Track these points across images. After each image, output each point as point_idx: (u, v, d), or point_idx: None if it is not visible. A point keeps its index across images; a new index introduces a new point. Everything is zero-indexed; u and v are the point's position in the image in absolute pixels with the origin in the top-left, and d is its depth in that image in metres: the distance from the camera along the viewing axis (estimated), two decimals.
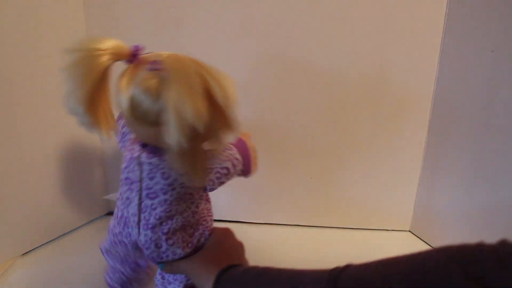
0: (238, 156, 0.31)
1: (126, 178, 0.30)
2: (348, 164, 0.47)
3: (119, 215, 0.31)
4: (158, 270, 0.34)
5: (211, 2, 0.42)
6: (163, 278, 0.34)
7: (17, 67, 0.39)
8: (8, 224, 0.41)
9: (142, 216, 0.30)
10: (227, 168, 0.30)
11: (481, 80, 0.38)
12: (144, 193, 0.30)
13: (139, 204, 0.30)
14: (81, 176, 0.47)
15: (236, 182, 0.49)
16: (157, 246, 0.30)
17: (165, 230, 0.30)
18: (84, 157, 0.47)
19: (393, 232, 0.50)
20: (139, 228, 0.30)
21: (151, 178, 0.29)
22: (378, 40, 0.42)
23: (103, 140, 0.49)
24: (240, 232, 0.44)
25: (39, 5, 0.39)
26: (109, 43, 0.27)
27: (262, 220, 0.51)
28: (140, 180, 0.30)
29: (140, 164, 0.29)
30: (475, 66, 0.39)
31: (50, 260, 0.43)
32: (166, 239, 0.30)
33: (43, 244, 0.45)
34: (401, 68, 0.43)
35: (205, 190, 0.31)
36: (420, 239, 0.48)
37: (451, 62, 0.41)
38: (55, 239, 0.46)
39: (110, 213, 0.52)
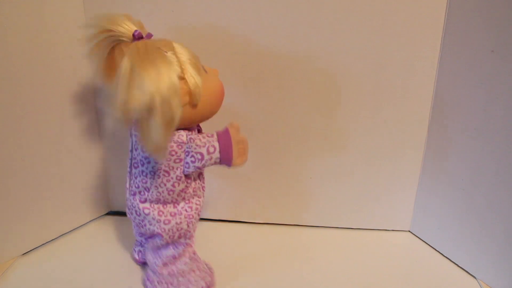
0: (215, 144, 0.32)
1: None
2: (348, 164, 0.47)
3: None
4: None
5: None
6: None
7: (17, 67, 0.39)
8: (8, 224, 0.41)
9: (130, 183, 0.36)
10: (201, 154, 0.32)
11: (481, 80, 0.38)
12: (132, 161, 0.35)
13: (130, 171, 0.35)
14: (81, 176, 0.47)
15: (236, 182, 0.49)
16: (137, 213, 0.35)
17: (142, 199, 0.35)
18: (84, 157, 0.47)
19: (393, 232, 0.50)
20: (127, 194, 0.36)
21: (136, 149, 0.34)
22: (377, 40, 0.42)
23: (104, 139, 0.49)
24: (240, 232, 0.44)
25: (40, 5, 0.39)
26: (117, 24, 0.31)
27: (262, 220, 0.51)
28: (131, 150, 0.35)
29: (131, 135, 0.35)
30: (475, 66, 0.39)
31: (50, 260, 0.43)
32: (143, 208, 0.35)
33: (43, 244, 0.45)
34: (401, 68, 0.43)
35: (183, 172, 0.33)
36: (420, 239, 0.48)
37: (451, 62, 0.41)
38: (55, 239, 0.46)
39: (110, 213, 0.52)
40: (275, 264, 0.43)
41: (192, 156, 0.32)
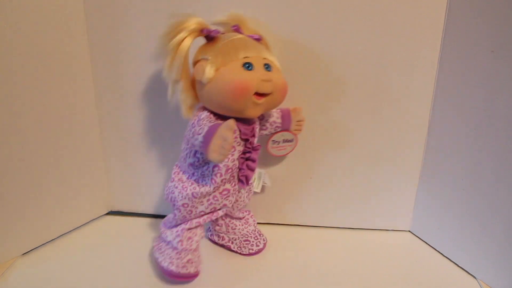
0: (205, 129, 0.34)
1: None
2: (348, 164, 0.47)
3: None
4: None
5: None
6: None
7: (17, 67, 0.39)
8: (8, 224, 0.41)
9: None
10: (193, 128, 0.35)
11: (481, 80, 0.38)
12: None
13: None
14: (82, 176, 0.47)
15: None
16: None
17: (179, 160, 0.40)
18: (83, 157, 0.47)
19: (393, 232, 0.50)
20: None
21: None
22: (377, 41, 0.42)
23: (105, 139, 0.49)
24: None
25: (40, 5, 0.39)
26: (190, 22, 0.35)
27: (262, 220, 0.51)
28: None
29: None
30: (475, 66, 0.39)
31: (50, 260, 0.43)
32: (174, 165, 0.40)
33: (43, 244, 0.45)
34: (401, 69, 0.43)
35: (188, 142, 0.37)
36: (421, 239, 0.48)
37: (451, 63, 0.41)
38: (55, 239, 0.46)
39: (111, 213, 0.52)
40: (275, 263, 0.43)
41: (192, 131, 0.35)
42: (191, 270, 0.38)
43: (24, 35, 0.38)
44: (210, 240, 0.46)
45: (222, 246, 0.45)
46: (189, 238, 0.39)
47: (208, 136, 0.33)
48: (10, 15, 0.37)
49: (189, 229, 0.39)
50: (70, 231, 0.48)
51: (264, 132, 0.43)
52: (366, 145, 0.46)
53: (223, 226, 0.44)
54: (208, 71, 0.34)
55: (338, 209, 0.49)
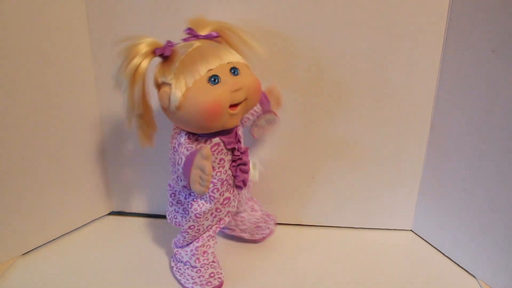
0: (180, 160, 0.33)
1: None
2: (350, 163, 0.47)
3: None
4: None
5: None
6: None
7: (18, 67, 0.38)
8: (8, 224, 0.41)
9: None
10: (174, 159, 0.34)
11: (483, 80, 0.38)
12: None
13: None
14: (83, 176, 0.47)
15: None
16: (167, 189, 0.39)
17: (171, 178, 0.38)
18: (85, 157, 0.47)
19: (395, 231, 0.50)
20: None
21: None
22: (379, 40, 0.42)
23: (105, 139, 0.48)
24: None
25: (41, 6, 0.39)
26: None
27: None
28: None
29: None
30: (476, 66, 0.39)
31: (50, 260, 0.43)
32: (168, 185, 0.38)
33: (43, 244, 0.45)
34: (403, 68, 0.43)
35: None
36: (422, 238, 0.49)
37: (453, 62, 0.41)
38: (55, 239, 0.46)
39: (112, 213, 0.52)
40: (275, 263, 0.43)
41: (174, 152, 0.34)
42: (215, 283, 0.38)
43: (25, 35, 0.38)
44: (222, 232, 0.46)
45: (233, 236, 0.45)
46: (204, 252, 0.39)
47: (187, 168, 0.31)
48: (11, 15, 0.37)
49: (202, 245, 0.38)
50: (71, 231, 0.47)
51: (248, 124, 0.41)
52: (368, 144, 0.46)
53: (232, 221, 0.44)
54: (174, 98, 0.31)
55: (340, 208, 0.49)
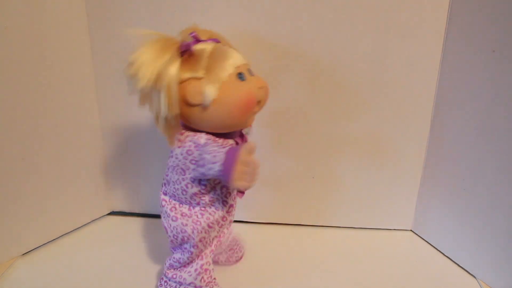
0: (221, 156, 0.30)
1: None
2: (350, 163, 0.47)
3: None
4: None
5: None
6: None
7: (19, 67, 0.38)
8: (8, 224, 0.41)
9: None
10: (204, 160, 0.31)
11: (483, 79, 0.39)
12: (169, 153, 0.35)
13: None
14: (83, 176, 0.47)
15: None
16: (160, 203, 0.36)
17: (164, 191, 0.36)
18: (85, 157, 0.47)
19: (395, 231, 0.50)
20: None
21: None
22: (379, 40, 0.42)
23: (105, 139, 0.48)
24: (240, 232, 0.44)
25: (42, 6, 0.39)
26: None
27: (263, 220, 0.50)
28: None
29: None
30: (476, 66, 0.39)
31: (50, 260, 0.42)
32: (162, 199, 0.35)
33: (43, 244, 0.45)
34: (403, 68, 0.43)
35: (194, 173, 0.33)
36: (422, 238, 0.49)
37: (453, 62, 0.41)
38: (55, 239, 0.46)
39: (112, 213, 0.52)
40: (275, 263, 0.43)
41: (200, 159, 0.31)
42: None
43: (25, 35, 0.38)
44: None
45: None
46: (206, 270, 0.36)
47: (228, 164, 0.29)
48: (11, 15, 0.37)
49: (206, 262, 0.36)
50: (71, 231, 0.47)
51: None
52: (368, 144, 0.46)
53: None
54: (209, 92, 0.30)
55: (340, 209, 0.49)
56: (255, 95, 0.31)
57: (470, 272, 0.42)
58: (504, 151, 0.37)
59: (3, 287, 0.38)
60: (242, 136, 0.35)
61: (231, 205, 0.36)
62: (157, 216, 0.51)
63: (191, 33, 0.31)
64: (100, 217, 0.51)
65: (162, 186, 0.36)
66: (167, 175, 0.35)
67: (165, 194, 0.35)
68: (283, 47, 0.43)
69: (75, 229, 0.48)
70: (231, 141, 0.33)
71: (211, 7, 0.41)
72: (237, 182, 0.28)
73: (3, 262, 0.41)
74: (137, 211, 0.52)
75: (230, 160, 0.29)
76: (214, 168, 0.30)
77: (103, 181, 0.50)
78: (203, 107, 0.30)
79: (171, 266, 0.36)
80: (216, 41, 0.33)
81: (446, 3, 0.40)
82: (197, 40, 0.31)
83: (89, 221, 0.49)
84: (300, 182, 0.48)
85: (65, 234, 0.47)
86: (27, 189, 0.42)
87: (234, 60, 0.31)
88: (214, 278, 0.37)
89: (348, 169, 0.47)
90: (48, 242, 0.45)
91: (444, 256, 0.45)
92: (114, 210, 0.52)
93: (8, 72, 0.38)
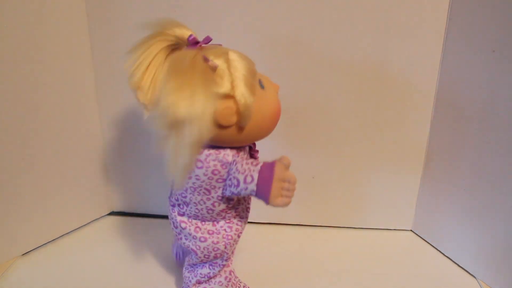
0: (255, 175, 0.28)
1: None
2: (350, 163, 0.47)
3: None
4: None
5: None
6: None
7: (19, 67, 0.38)
8: (8, 224, 0.41)
9: (171, 193, 0.34)
10: (238, 180, 0.28)
11: (483, 79, 0.39)
12: None
13: (172, 182, 0.33)
14: (83, 176, 0.47)
15: None
16: (174, 225, 0.33)
17: (180, 213, 0.33)
18: (85, 157, 0.47)
19: (395, 231, 0.50)
20: (168, 203, 0.34)
21: None
22: (379, 40, 0.42)
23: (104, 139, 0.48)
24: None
25: (42, 6, 0.39)
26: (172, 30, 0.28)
27: (262, 220, 0.50)
28: None
29: None
30: (476, 65, 0.39)
31: (50, 260, 0.42)
32: (180, 222, 0.32)
33: (43, 244, 0.45)
34: (403, 68, 0.43)
35: (223, 192, 0.30)
36: (422, 238, 0.49)
37: (453, 62, 0.41)
38: (55, 239, 0.46)
39: (112, 213, 0.52)
40: (275, 263, 0.43)
41: (230, 179, 0.29)
42: None
43: (25, 35, 0.38)
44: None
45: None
46: (231, 272, 0.36)
47: (265, 183, 0.27)
48: (10, 14, 0.37)
49: (231, 267, 0.36)
50: (71, 231, 0.47)
51: None
52: (368, 144, 0.46)
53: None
54: (246, 109, 0.27)
55: (339, 208, 0.49)
56: (280, 103, 0.30)
57: (470, 272, 0.42)
58: (504, 150, 0.37)
59: (3, 287, 0.38)
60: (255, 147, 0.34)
61: (248, 208, 0.35)
62: (157, 216, 0.51)
63: (189, 37, 0.28)
64: (100, 217, 0.51)
65: (174, 206, 0.33)
66: (184, 197, 0.31)
67: (181, 215, 0.32)
68: (282, 47, 0.43)
69: (75, 229, 0.48)
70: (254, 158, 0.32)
71: (211, 7, 0.41)
72: (276, 199, 0.27)
73: (3, 262, 0.41)
74: (137, 211, 0.52)
75: (266, 179, 0.27)
76: (249, 188, 0.28)
77: (103, 181, 0.50)
78: (240, 126, 0.28)
79: (198, 282, 0.35)
80: (209, 39, 0.30)
81: (446, 3, 0.40)
82: (196, 43, 0.29)
83: (89, 221, 0.49)
84: (300, 182, 0.48)
85: (65, 234, 0.47)
86: (27, 189, 0.42)
87: (254, 67, 0.28)
88: (237, 277, 0.37)
89: (348, 169, 0.47)
90: (48, 242, 0.45)
91: (444, 256, 0.45)
92: (114, 210, 0.52)
93: (7, 72, 0.38)
